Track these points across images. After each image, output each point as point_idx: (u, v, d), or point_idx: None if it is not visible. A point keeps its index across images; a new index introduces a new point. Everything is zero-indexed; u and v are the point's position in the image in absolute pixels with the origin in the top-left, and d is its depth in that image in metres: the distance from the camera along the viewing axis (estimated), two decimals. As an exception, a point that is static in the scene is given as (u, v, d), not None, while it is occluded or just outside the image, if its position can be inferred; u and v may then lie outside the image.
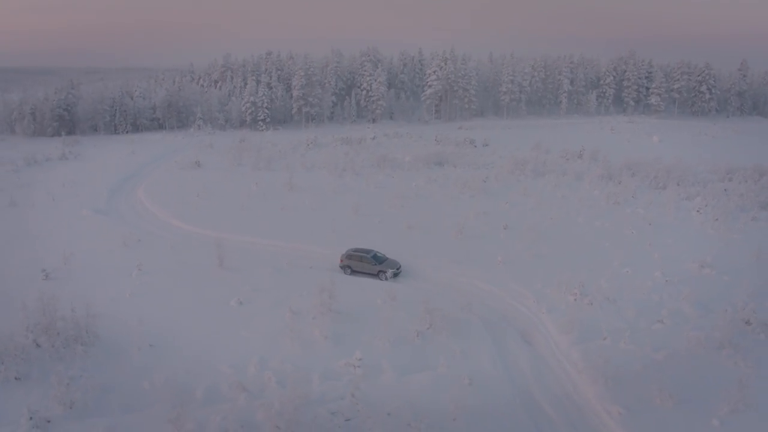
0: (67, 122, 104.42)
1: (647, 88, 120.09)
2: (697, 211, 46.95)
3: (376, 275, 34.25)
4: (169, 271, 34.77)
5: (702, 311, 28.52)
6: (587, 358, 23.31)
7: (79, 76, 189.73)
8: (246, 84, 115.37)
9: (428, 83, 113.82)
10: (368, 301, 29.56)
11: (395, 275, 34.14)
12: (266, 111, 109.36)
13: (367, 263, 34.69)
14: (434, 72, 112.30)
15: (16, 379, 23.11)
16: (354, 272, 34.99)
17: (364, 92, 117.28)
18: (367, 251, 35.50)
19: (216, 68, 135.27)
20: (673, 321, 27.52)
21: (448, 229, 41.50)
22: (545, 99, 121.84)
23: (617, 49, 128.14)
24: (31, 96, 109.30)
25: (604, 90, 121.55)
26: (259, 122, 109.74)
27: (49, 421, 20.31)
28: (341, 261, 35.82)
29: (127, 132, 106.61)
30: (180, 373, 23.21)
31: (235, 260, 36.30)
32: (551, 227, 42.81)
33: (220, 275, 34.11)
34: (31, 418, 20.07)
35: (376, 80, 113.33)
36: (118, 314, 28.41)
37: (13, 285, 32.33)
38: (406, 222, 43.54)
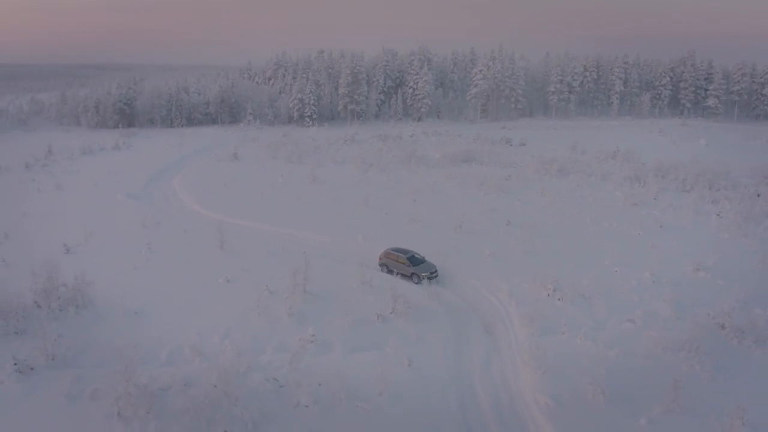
0: (127, 115, 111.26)
1: (705, 90, 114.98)
2: (718, 214, 45.40)
3: (409, 277, 32.60)
4: (174, 251, 37.37)
5: (680, 313, 27.91)
6: (536, 350, 23.62)
7: (151, 72, 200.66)
8: (295, 81, 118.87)
9: (474, 82, 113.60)
10: (343, 285, 30.85)
11: (429, 279, 32.06)
12: (313, 108, 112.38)
13: (402, 264, 33.08)
14: (480, 71, 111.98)
15: (15, 333, 25.96)
16: (390, 271, 33.69)
17: (411, 90, 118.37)
18: (405, 252, 33.92)
19: (270, 66, 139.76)
20: (645, 321, 27.15)
21: (449, 223, 42.11)
22: (596, 100, 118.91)
23: (679, 50, 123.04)
24: (95, 91, 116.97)
25: (659, 91, 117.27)
26: (306, 119, 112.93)
27: (32, 369, 22.86)
28: (379, 259, 34.54)
29: (181, 126, 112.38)
30: (152, 336, 25.40)
31: (237, 243, 38.48)
32: (555, 226, 42.66)
33: (218, 256, 36.35)
34: (15, 364, 22.69)
35: (422, 78, 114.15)
36: (117, 285, 31.01)
37: (37, 256, 35.54)
38: (411, 215, 44.53)
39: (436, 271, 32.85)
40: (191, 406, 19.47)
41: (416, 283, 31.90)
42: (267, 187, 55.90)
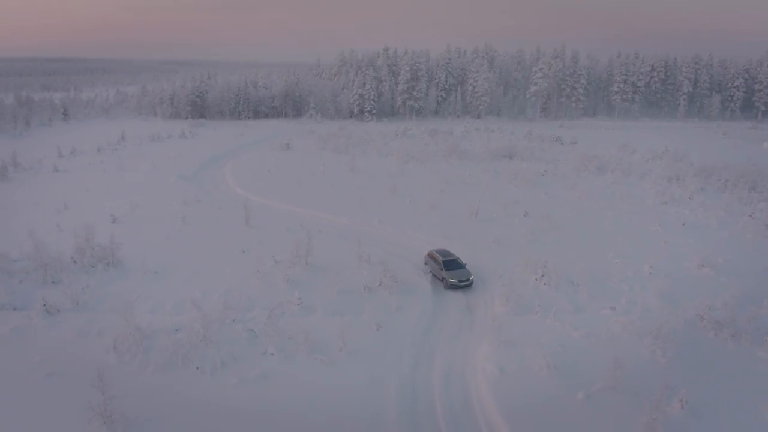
0: (198, 107, 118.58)
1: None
2: (750, 215, 44.13)
3: (441, 281, 31.35)
4: (204, 224, 40.93)
5: (665, 304, 27.95)
6: (500, 326, 24.84)
7: (233, 69, 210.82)
8: (357, 77, 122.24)
9: (534, 81, 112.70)
10: (344, 259, 33.06)
11: (456, 287, 30.30)
12: (372, 103, 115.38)
13: (437, 266, 31.60)
14: (540, 69, 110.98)
15: (51, 282, 30.02)
16: (431, 272, 32.54)
17: (471, 88, 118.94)
18: (445, 254, 32.13)
19: (336, 63, 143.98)
20: (625, 309, 27.54)
21: (467, 212, 43.37)
22: (663, 101, 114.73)
23: (756, 50, 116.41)
24: (172, 84, 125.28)
25: (731, 93, 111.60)
26: (365, 114, 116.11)
27: (58, 311, 26.62)
28: (425, 259, 33.78)
29: (247, 118, 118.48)
30: (163, 291, 28.71)
31: (262, 221, 41.61)
32: (572, 218, 42.96)
33: (242, 230, 39.54)
34: (44, 305, 26.53)
35: (481, 76, 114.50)
36: (146, 249, 34.78)
37: (85, 223, 40.16)
38: (432, 203, 46.13)
39: (468, 280, 30.34)
40: (173, 345, 22.33)
41: (445, 289, 30.56)
42: (307, 174, 59.02)
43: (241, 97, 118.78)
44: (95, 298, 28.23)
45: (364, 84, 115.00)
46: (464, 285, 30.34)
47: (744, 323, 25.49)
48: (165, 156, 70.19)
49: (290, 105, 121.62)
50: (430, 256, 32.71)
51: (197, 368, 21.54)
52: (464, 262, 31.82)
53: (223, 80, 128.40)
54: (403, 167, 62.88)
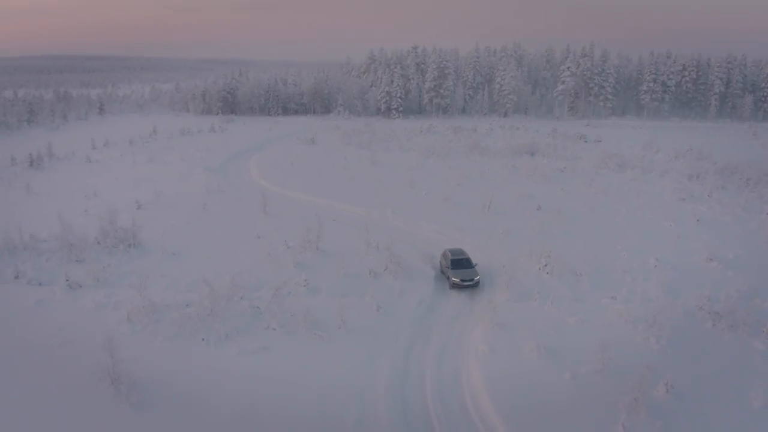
0: (229, 103, 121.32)
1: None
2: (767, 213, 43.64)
3: (447, 279, 30.42)
4: (224, 212, 42.49)
5: (667, 296, 28.18)
6: (497, 311, 25.48)
7: (267, 68, 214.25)
8: (385, 75, 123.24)
9: (561, 79, 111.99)
10: (353, 246, 34.06)
11: (458, 287, 29.28)
12: (399, 101, 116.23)
13: (446, 263, 30.92)
14: (568, 68, 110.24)
15: (76, 261, 31.84)
16: (441, 270, 31.76)
17: (498, 86, 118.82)
18: (456, 253, 31.19)
19: (365, 61, 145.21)
20: (625, 299, 27.87)
21: (480, 205, 43.91)
22: (694, 101, 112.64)
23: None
24: (204, 81, 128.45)
25: (765, 93, 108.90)
26: (392, 111, 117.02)
27: (80, 286, 28.33)
28: (440, 257, 32.89)
29: (277, 114, 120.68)
30: (179, 271, 30.20)
31: (280, 209, 42.96)
32: (585, 213, 43.10)
33: (259, 218, 40.94)
34: (67, 281, 28.26)
35: (508, 74, 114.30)
36: (166, 233, 36.41)
37: (112, 208, 42.14)
38: (447, 196, 46.81)
39: (472, 280, 29.20)
40: (182, 318, 23.67)
41: (450, 288, 29.59)
42: (328, 167, 60.27)
43: (270, 93, 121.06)
44: (115, 275, 29.88)
45: (392, 81, 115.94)
46: (467, 285, 29.15)
47: (743, 315, 25.49)
48: (194, 149, 72.38)
49: (319, 102, 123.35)
50: (443, 255, 31.79)
51: (203, 339, 22.82)
52: (475, 263, 30.71)
53: (253, 77, 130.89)
54: (424, 162, 63.61)
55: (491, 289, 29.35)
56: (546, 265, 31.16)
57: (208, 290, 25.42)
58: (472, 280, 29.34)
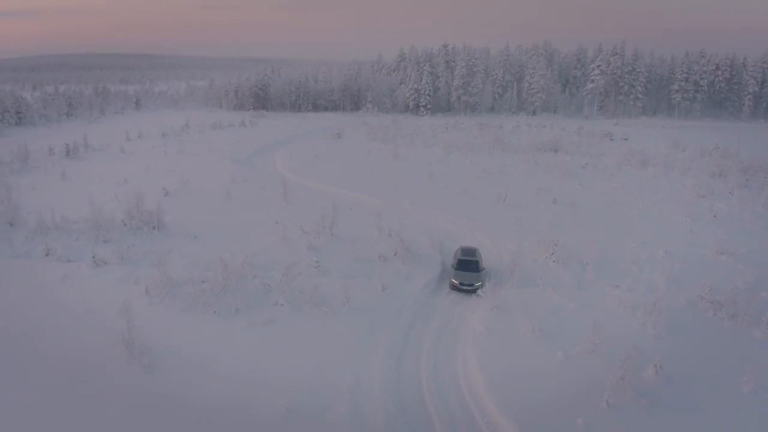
0: (261, 99, 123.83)
1: None
2: (789, 211, 43.06)
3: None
4: (246, 200, 44.06)
5: (671, 286, 28.38)
6: (499, 295, 26.17)
7: (306, 67, 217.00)
8: (414, 72, 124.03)
9: (591, 77, 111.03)
10: (366, 233, 35.12)
11: (457, 290, 28.07)
12: (428, 98, 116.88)
13: (452, 262, 29.93)
14: (598, 66, 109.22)
15: (103, 241, 33.69)
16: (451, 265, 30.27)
17: (527, 85, 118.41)
18: (466, 253, 30.08)
19: (395, 59, 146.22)
20: (629, 288, 28.23)
21: (497, 197, 44.47)
22: (728, 101, 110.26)
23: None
24: (238, 78, 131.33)
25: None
26: (421, 108, 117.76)
27: (105, 263, 30.09)
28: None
29: (307, 111, 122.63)
30: (198, 252, 31.74)
31: (299, 198, 44.32)
32: (601, 206, 43.31)
33: (279, 205, 42.37)
34: (93, 258, 30.05)
35: (537, 72, 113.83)
36: (189, 217, 38.07)
37: (141, 194, 44.17)
38: (465, 189, 47.48)
39: (471, 286, 27.78)
40: (196, 293, 25.09)
41: (450, 289, 28.42)
42: (351, 161, 61.46)
43: (301, 90, 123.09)
44: (138, 254, 31.60)
45: (421, 79, 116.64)
46: (465, 290, 27.72)
47: (745, 305, 25.65)
48: (223, 142, 74.54)
49: (348, 99, 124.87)
50: (456, 251, 30.99)
51: (214, 312, 24.19)
52: (483, 267, 29.31)
53: (285, 74, 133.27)
54: (446, 157, 64.30)
55: (496, 276, 30.00)
56: (552, 254, 31.66)
57: (223, 268, 26.78)
58: (471, 285, 27.74)
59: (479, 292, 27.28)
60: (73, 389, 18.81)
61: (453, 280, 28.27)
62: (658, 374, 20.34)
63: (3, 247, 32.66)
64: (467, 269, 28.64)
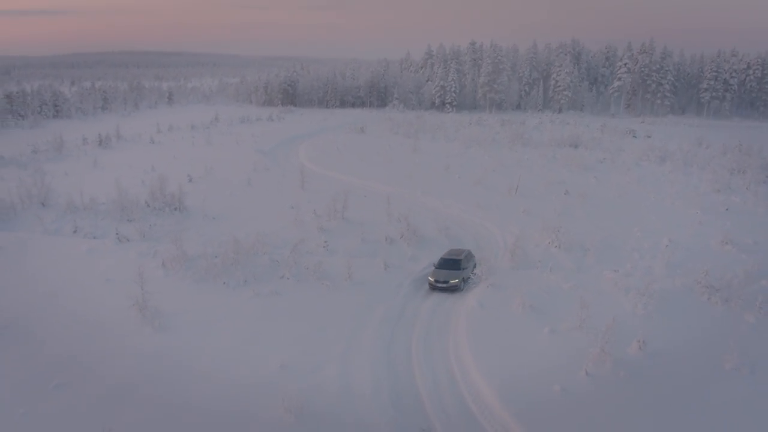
0: (290, 95, 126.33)
1: None
2: (805, 206, 42.73)
3: None
4: (265, 187, 45.88)
5: (670, 272, 28.82)
6: (499, 276, 27.13)
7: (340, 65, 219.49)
8: (440, 70, 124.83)
9: (618, 75, 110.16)
10: (377, 218, 36.43)
11: (432, 287, 26.78)
12: (453, 95, 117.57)
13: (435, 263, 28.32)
14: (625, 64, 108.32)
15: (128, 220, 35.76)
16: None
17: (553, 82, 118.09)
18: (452, 253, 28.79)
19: (422, 57, 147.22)
20: (626, 272, 28.69)
21: (509, 188, 45.24)
22: (759, 100, 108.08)
23: None
24: (267, 74, 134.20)
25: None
26: (446, 105, 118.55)
27: (128, 240, 32.06)
28: None
29: (334, 107, 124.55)
30: (214, 231, 33.53)
31: (317, 186, 45.94)
32: (611, 198, 43.70)
33: (296, 192, 44.06)
34: (116, 235, 32.06)
35: (563, 70, 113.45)
36: (210, 201, 39.97)
37: (168, 181, 46.24)
38: (478, 180, 48.38)
39: (447, 282, 26.51)
40: (209, 266, 26.74)
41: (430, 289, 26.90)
42: (371, 153, 62.89)
43: (329, 86, 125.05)
44: (159, 233, 33.51)
45: (447, 76, 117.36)
46: (440, 287, 26.43)
47: (740, 290, 26.02)
48: (249, 135, 76.87)
49: (375, 95, 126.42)
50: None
51: (224, 283, 25.79)
52: (465, 267, 27.80)
53: (313, 71, 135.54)
54: (465, 151, 65.19)
55: (496, 259, 30.93)
56: (555, 240, 32.39)
57: (235, 244, 28.38)
58: (446, 282, 26.32)
59: (462, 287, 26.60)
60: (88, 344, 20.55)
61: (430, 277, 26.93)
62: (641, 349, 21.02)
63: (35, 224, 35.01)
64: (446, 267, 27.31)
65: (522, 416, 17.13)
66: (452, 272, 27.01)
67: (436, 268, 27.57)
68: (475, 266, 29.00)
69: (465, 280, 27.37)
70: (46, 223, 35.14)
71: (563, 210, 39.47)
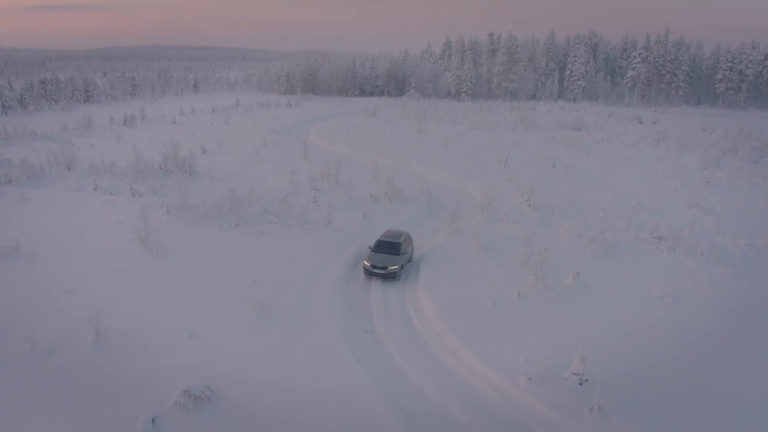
0: (310, 84, 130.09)
1: None
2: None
3: None
4: (271, 158, 49.38)
5: (629, 228, 31.15)
6: (463, 224, 29.96)
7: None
8: (457, 59, 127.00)
9: (632, 65, 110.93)
10: (367, 181, 39.48)
11: (368, 273, 24.28)
12: (469, 84, 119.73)
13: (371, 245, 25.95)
14: (639, 54, 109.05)
15: (142, 181, 39.53)
16: None
17: (568, 72, 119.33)
18: (391, 235, 26.13)
19: (441, 47, 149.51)
20: (587, 226, 31.17)
21: (499, 162, 47.81)
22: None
23: None
24: (289, 64, 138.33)
25: None
26: (462, 94, 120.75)
27: (141, 195, 35.96)
28: None
29: (353, 95, 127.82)
30: (218, 189, 36.97)
31: (319, 157, 49.12)
32: (597, 172, 45.82)
33: (299, 161, 47.36)
34: (130, 190, 35.87)
35: (578, 60, 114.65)
36: (218, 167, 43.60)
37: (182, 150, 49.95)
38: (473, 154, 51.08)
39: (385, 269, 23.99)
40: (207, 212, 30.24)
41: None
42: (377, 133, 65.97)
43: (348, 75, 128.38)
44: (169, 191, 37.09)
45: (462, 65, 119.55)
46: (377, 273, 24.01)
47: (687, 240, 28.43)
48: (267, 117, 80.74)
49: (393, 84, 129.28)
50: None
51: (218, 225, 29.24)
52: (406, 252, 25.57)
53: (333, 60, 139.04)
54: (469, 132, 67.77)
55: (470, 215, 33.77)
56: (528, 200, 35.03)
57: (231, 195, 31.83)
58: (385, 268, 23.91)
59: (400, 275, 24.56)
60: (99, 265, 24.18)
61: (365, 262, 24.46)
62: (575, 280, 23.67)
63: (61, 183, 39.13)
64: (384, 251, 24.77)
65: (451, 322, 20.11)
66: (390, 257, 24.39)
67: (372, 251, 24.88)
68: (413, 250, 26.76)
69: (403, 267, 24.89)
70: (69, 183, 39.19)
71: (545, 179, 41.91)
